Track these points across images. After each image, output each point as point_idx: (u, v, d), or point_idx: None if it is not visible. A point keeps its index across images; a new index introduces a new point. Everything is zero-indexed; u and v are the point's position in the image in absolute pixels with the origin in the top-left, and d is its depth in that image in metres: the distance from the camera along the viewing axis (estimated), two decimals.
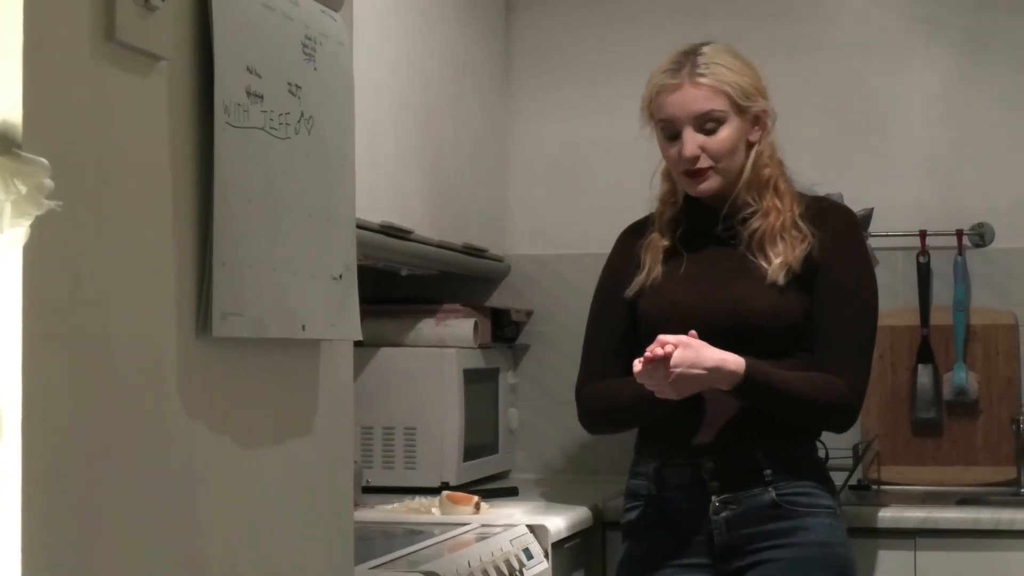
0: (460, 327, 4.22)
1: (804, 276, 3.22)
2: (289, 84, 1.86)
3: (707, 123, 3.24)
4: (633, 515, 3.29)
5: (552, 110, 4.82)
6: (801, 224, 3.26)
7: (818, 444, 3.32)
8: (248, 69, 1.76)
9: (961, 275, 4.51)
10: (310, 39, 1.93)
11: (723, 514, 3.17)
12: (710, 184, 3.26)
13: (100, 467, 1.49)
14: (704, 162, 3.24)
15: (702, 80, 3.24)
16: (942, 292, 4.55)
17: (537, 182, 4.82)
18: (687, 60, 3.27)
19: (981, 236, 4.55)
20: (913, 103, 4.66)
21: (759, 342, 3.17)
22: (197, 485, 1.68)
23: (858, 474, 4.41)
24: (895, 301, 4.59)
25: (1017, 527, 3.83)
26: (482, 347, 4.34)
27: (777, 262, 3.21)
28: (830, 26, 4.72)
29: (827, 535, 3.18)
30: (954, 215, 4.57)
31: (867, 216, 4.49)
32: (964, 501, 4.15)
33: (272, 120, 1.81)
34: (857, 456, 4.41)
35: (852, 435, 4.54)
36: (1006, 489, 4.39)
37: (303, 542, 1.97)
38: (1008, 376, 4.51)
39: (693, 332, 3.03)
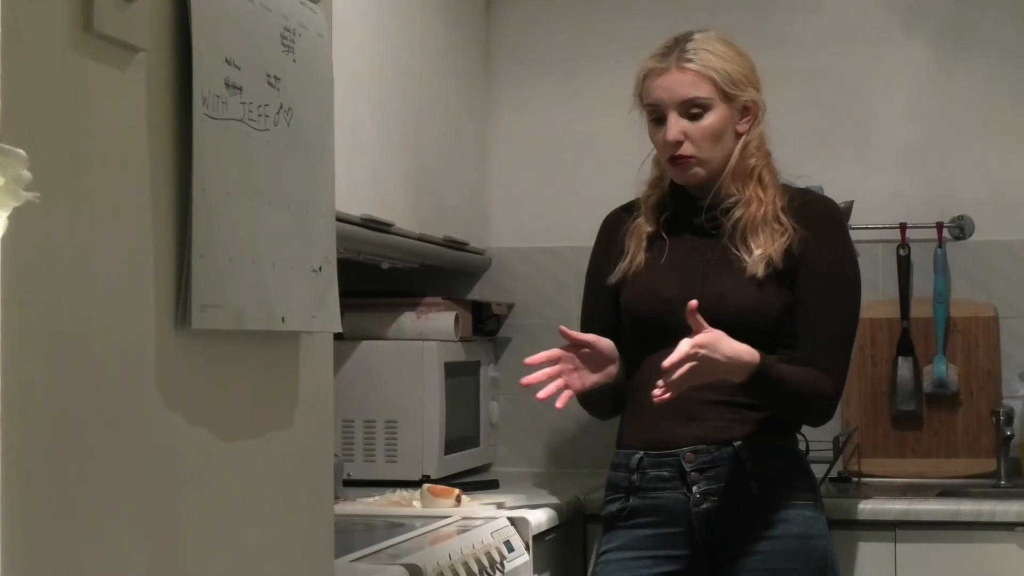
0: (441, 320, 4.22)
1: (785, 271, 3.22)
2: (268, 76, 1.86)
3: (692, 108, 3.23)
4: (614, 507, 3.29)
5: (533, 103, 4.82)
6: (783, 217, 3.25)
7: (799, 437, 3.32)
8: (227, 60, 1.75)
9: (941, 267, 4.53)
10: (289, 30, 1.92)
11: (703, 506, 3.17)
12: (695, 173, 3.26)
13: (79, 460, 1.48)
14: (687, 149, 3.23)
15: (688, 65, 3.23)
16: (922, 284, 4.56)
17: (518, 175, 4.82)
18: (677, 45, 3.27)
19: (961, 229, 4.56)
20: (893, 96, 4.66)
21: (739, 338, 3.17)
22: (176, 478, 1.68)
23: (838, 466, 4.42)
24: (875, 293, 4.60)
25: (997, 519, 3.84)
26: (463, 340, 4.34)
27: (757, 254, 3.21)
28: (809, 18, 4.72)
29: (808, 527, 3.19)
30: (934, 208, 4.58)
31: (847, 209, 4.50)
32: (944, 493, 4.16)
33: (251, 112, 1.81)
34: (837, 448, 4.42)
35: (832, 427, 4.55)
36: (986, 481, 4.40)
37: (283, 535, 1.96)
38: (988, 368, 4.52)
39: (694, 302, 2.97)
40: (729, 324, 3.16)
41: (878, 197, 4.60)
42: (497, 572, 3.10)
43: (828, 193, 4.59)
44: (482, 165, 4.77)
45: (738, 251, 3.23)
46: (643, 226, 3.35)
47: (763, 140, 3.33)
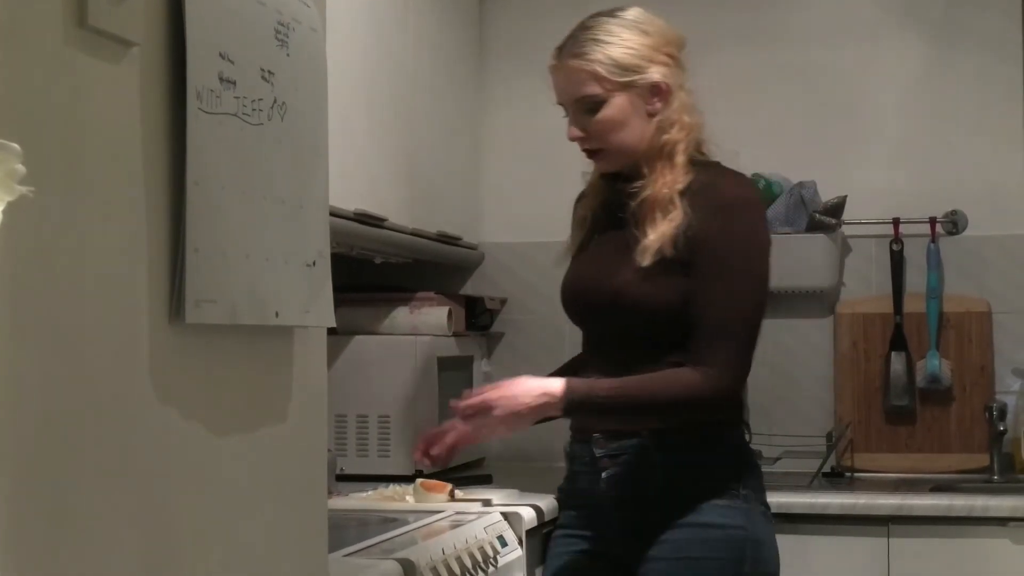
0: (434, 315, 4.22)
1: (677, 259, 3.06)
2: (262, 70, 1.86)
3: (588, 103, 3.19)
4: (561, 488, 3.31)
5: (525, 98, 4.82)
6: (676, 200, 3.09)
7: (743, 423, 3.19)
8: (221, 55, 1.75)
9: (934, 262, 4.53)
10: (283, 25, 1.92)
11: (612, 493, 3.15)
12: (607, 163, 3.21)
13: (72, 454, 1.48)
14: (589, 143, 3.19)
15: (572, 62, 3.14)
16: (915, 279, 4.56)
17: (510, 170, 4.82)
18: (569, 38, 3.19)
19: (954, 223, 4.57)
20: (886, 90, 4.67)
21: (636, 331, 3.10)
22: (169, 472, 1.67)
23: (831, 461, 4.42)
24: (868, 289, 4.61)
25: (990, 514, 3.85)
26: (456, 335, 4.34)
27: (645, 242, 3.08)
28: (803, 13, 4.73)
29: (723, 518, 3.06)
30: (927, 202, 4.59)
31: (840, 203, 4.51)
32: (937, 488, 4.17)
33: (245, 106, 1.80)
34: (830, 443, 4.42)
35: (825, 423, 4.56)
36: (979, 476, 4.41)
37: (277, 530, 1.96)
38: (981, 364, 4.53)
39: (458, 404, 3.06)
40: (628, 318, 3.12)
41: (871, 192, 4.61)
42: (490, 567, 3.10)
43: (821, 188, 4.61)
44: (475, 160, 4.77)
45: (639, 237, 3.10)
46: (579, 211, 3.34)
47: (684, 114, 3.17)
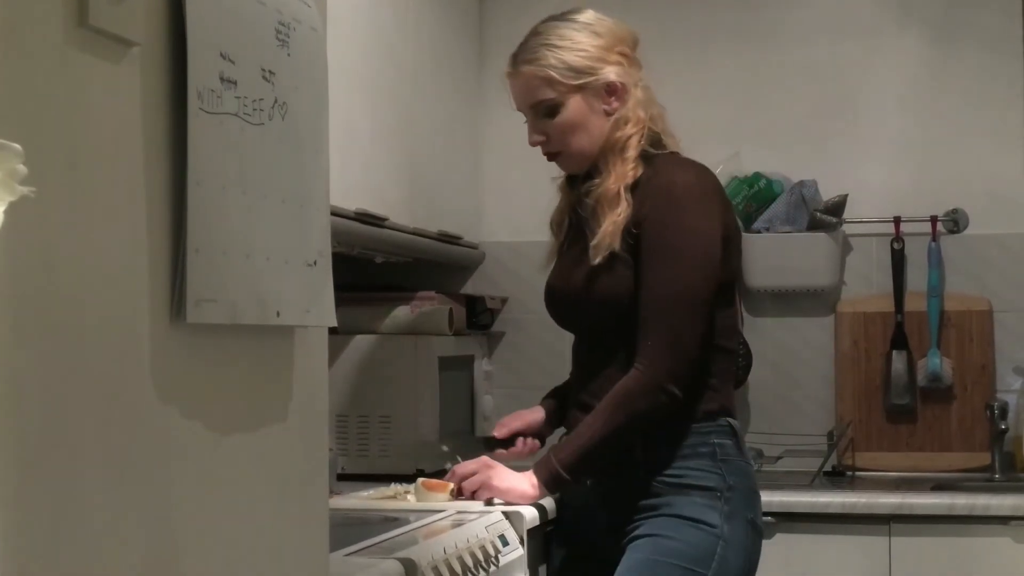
0: (435, 314, 4.22)
1: (632, 251, 3.09)
2: (263, 70, 1.85)
3: (544, 108, 3.20)
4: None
5: None
6: (623, 194, 3.10)
7: (723, 424, 3.16)
8: (221, 55, 1.75)
9: (935, 261, 4.53)
10: (284, 24, 1.92)
11: (595, 488, 3.18)
12: (570, 165, 3.26)
13: (73, 453, 1.48)
14: (551, 147, 3.22)
15: (524, 68, 3.20)
16: (916, 278, 4.57)
17: (511, 169, 4.81)
18: (521, 44, 3.23)
19: (955, 222, 4.57)
20: (887, 89, 4.67)
21: (608, 328, 3.12)
22: (170, 472, 1.67)
23: (832, 460, 4.42)
24: (869, 287, 4.61)
25: (991, 513, 3.85)
26: (457, 334, 4.34)
27: (594, 240, 3.11)
28: (803, 12, 4.73)
29: (693, 512, 3.07)
30: (928, 201, 4.59)
31: (841, 202, 4.51)
32: (938, 487, 4.17)
33: (246, 106, 1.80)
34: (831, 442, 4.42)
35: (826, 421, 4.56)
36: (980, 475, 4.41)
37: (278, 529, 1.96)
38: (982, 362, 4.53)
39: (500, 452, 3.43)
40: (595, 317, 3.14)
41: (872, 191, 4.61)
42: (492, 566, 3.10)
43: (822, 187, 4.61)
44: (476, 159, 4.77)
45: (592, 235, 3.14)
46: (555, 216, 3.38)
47: (639, 110, 3.19)
